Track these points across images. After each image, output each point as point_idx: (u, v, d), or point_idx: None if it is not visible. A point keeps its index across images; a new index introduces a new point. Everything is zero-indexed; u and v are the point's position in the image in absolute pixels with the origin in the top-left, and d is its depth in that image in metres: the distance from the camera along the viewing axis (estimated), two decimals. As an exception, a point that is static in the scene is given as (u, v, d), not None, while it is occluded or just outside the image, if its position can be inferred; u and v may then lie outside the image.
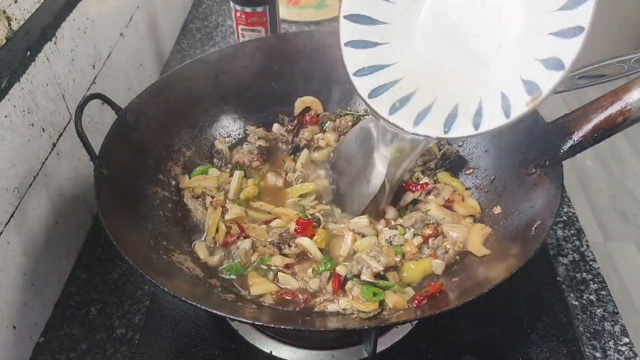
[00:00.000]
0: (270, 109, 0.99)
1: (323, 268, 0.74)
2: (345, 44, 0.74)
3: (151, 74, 1.28)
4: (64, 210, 0.88)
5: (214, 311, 0.58)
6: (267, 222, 0.83)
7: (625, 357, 0.78)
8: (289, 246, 0.77)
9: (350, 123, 0.95)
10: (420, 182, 0.85)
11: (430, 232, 0.76)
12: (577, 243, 0.94)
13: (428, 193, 0.83)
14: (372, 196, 0.78)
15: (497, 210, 0.78)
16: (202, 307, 0.58)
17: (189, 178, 0.88)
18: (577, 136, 0.70)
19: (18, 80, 0.75)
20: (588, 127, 0.69)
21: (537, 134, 0.75)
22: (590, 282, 0.88)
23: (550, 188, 0.69)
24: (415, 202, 0.84)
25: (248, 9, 1.16)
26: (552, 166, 0.71)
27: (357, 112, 0.97)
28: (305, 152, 0.92)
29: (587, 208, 2.50)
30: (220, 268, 0.76)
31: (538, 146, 0.75)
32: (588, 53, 0.58)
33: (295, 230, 0.79)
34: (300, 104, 0.99)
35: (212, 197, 0.84)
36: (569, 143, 0.70)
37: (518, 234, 0.70)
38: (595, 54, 0.67)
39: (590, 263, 0.91)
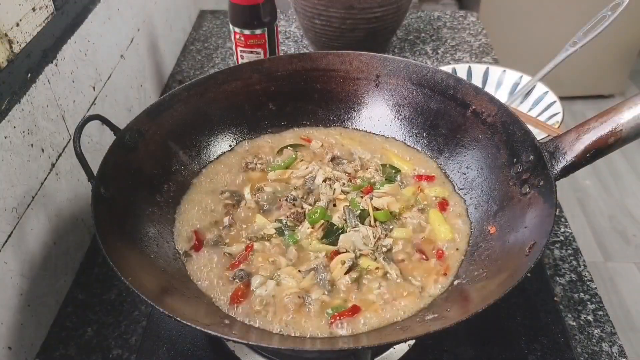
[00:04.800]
0: (268, 131, 1.00)
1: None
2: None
3: (151, 95, 1.30)
4: (62, 231, 0.88)
5: (208, 331, 0.58)
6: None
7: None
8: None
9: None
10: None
11: None
12: (575, 263, 0.94)
13: None
14: None
15: (492, 229, 0.78)
16: (197, 327, 0.58)
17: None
18: (569, 156, 0.70)
19: (18, 102, 0.77)
20: (580, 147, 0.69)
21: (531, 154, 0.76)
22: (588, 303, 0.88)
23: (544, 208, 0.70)
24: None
25: (247, 32, 1.18)
26: (545, 186, 0.71)
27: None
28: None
29: (586, 228, 2.50)
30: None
31: (532, 166, 0.75)
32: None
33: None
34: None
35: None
36: (562, 163, 0.71)
37: (513, 253, 0.70)
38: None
39: (588, 283, 0.91)
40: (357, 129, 1.01)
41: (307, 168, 0.92)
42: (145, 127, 0.85)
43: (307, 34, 1.48)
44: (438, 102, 0.92)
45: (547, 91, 1.16)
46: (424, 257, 0.79)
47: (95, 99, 1.00)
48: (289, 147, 0.98)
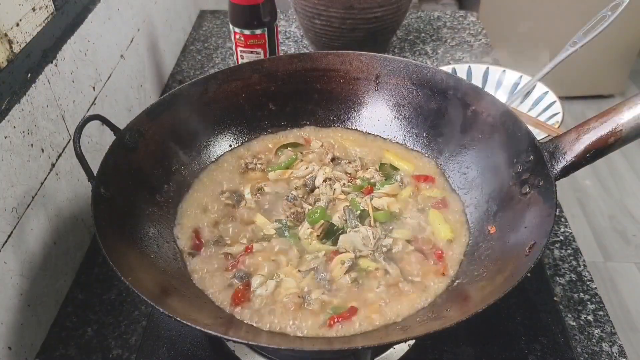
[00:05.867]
0: (268, 131, 1.00)
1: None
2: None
3: (151, 95, 1.30)
4: (62, 231, 0.88)
5: (208, 331, 0.58)
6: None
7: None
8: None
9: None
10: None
11: None
12: (574, 263, 0.94)
13: None
14: None
15: (492, 229, 0.78)
16: (197, 327, 0.58)
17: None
18: (569, 156, 0.70)
19: (18, 102, 0.77)
20: (580, 147, 0.69)
21: (531, 154, 0.76)
22: (588, 303, 0.88)
23: (544, 208, 0.70)
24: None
25: (247, 32, 1.18)
26: (545, 186, 0.71)
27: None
28: None
29: (586, 228, 2.50)
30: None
31: (532, 166, 0.75)
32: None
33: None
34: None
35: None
36: (562, 163, 0.71)
37: (513, 253, 0.70)
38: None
39: (588, 283, 0.91)
40: (357, 129, 1.01)
41: (307, 168, 0.92)
42: (145, 127, 0.85)
43: (307, 34, 1.48)
44: (438, 102, 0.92)
45: (547, 91, 1.16)
46: (424, 257, 0.79)
47: (95, 99, 1.00)
48: (288, 148, 0.98)
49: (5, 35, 0.74)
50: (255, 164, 0.94)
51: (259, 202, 0.88)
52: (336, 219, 0.83)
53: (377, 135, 1.00)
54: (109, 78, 1.06)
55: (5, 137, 0.74)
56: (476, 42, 1.54)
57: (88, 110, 0.97)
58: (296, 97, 1.00)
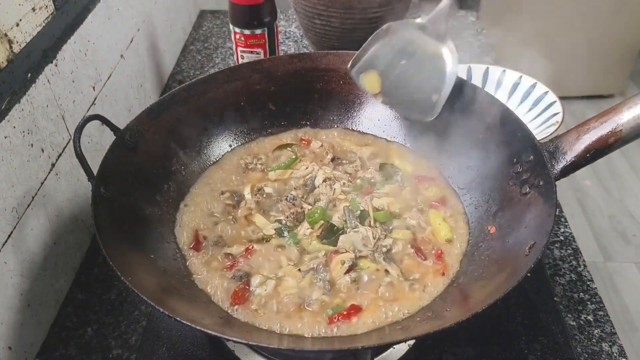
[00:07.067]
0: (268, 131, 1.00)
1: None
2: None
3: (151, 95, 1.30)
4: (62, 231, 0.88)
5: (208, 331, 0.58)
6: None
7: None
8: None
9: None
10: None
11: None
12: (574, 263, 0.94)
13: None
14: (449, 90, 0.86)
15: (492, 229, 0.78)
16: (197, 327, 0.58)
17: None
18: (569, 156, 0.70)
19: (18, 102, 0.77)
20: (580, 147, 0.69)
21: (531, 154, 0.76)
22: (588, 302, 0.88)
23: (544, 208, 0.70)
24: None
25: (247, 32, 1.18)
26: (545, 186, 0.71)
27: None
28: None
29: (586, 228, 2.50)
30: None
31: (532, 166, 0.75)
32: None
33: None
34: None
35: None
36: (562, 163, 0.71)
37: (512, 253, 0.70)
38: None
39: (588, 283, 0.91)
40: (357, 129, 1.01)
41: (307, 168, 0.92)
42: (145, 127, 0.85)
43: (307, 34, 1.47)
44: (438, 102, 0.92)
45: (547, 91, 1.16)
46: (424, 257, 0.79)
47: (95, 99, 1.00)
48: (288, 148, 0.98)
49: (5, 35, 0.74)
50: (255, 164, 0.95)
51: (259, 202, 0.88)
52: (336, 219, 0.83)
53: (377, 136, 1.00)
54: (109, 78, 1.06)
55: (5, 137, 0.74)
56: (476, 42, 1.54)
57: (88, 110, 0.97)
58: (296, 97, 1.00)
